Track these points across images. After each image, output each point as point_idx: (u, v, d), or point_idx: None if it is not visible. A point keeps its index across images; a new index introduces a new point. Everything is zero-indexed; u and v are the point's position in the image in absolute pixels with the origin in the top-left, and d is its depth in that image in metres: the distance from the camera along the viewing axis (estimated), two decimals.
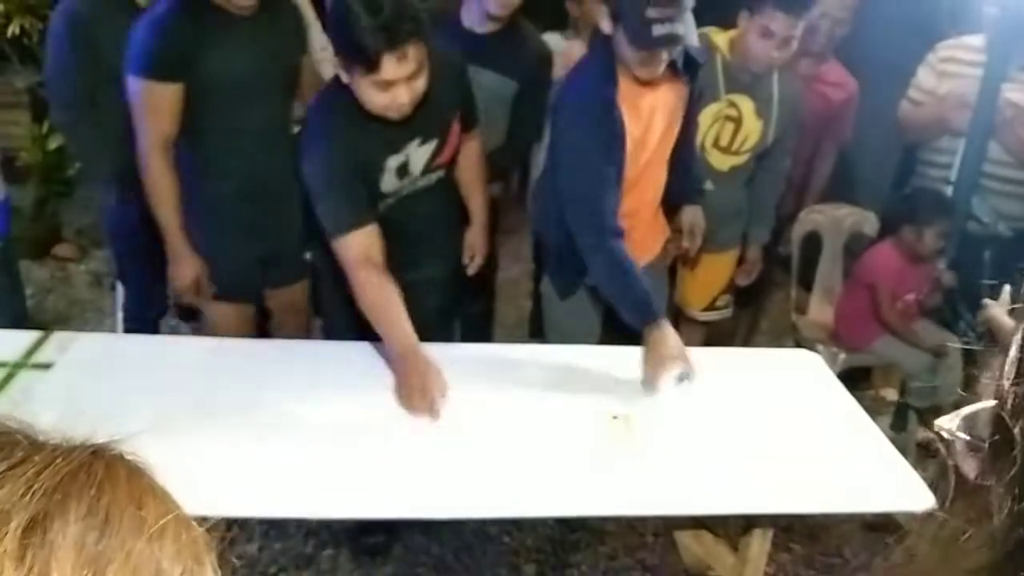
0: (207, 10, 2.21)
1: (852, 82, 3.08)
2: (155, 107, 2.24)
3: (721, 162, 2.74)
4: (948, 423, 0.50)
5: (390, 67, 1.87)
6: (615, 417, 2.00)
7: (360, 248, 2.03)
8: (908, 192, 3.15)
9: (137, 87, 2.22)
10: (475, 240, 2.51)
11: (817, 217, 3.30)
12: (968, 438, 0.49)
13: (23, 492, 0.38)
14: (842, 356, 3.08)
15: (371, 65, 1.86)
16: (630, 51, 2.07)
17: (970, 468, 0.49)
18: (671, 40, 2.03)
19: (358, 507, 1.80)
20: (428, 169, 2.20)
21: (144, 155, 2.28)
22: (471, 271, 2.55)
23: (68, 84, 2.60)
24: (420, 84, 1.96)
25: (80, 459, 0.41)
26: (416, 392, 1.96)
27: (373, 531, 2.56)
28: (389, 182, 2.15)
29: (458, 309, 2.65)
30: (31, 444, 0.41)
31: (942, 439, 0.50)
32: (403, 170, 2.15)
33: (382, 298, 2.02)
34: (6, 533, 0.36)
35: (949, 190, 3.02)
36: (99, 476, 0.40)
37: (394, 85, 1.91)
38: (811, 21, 2.85)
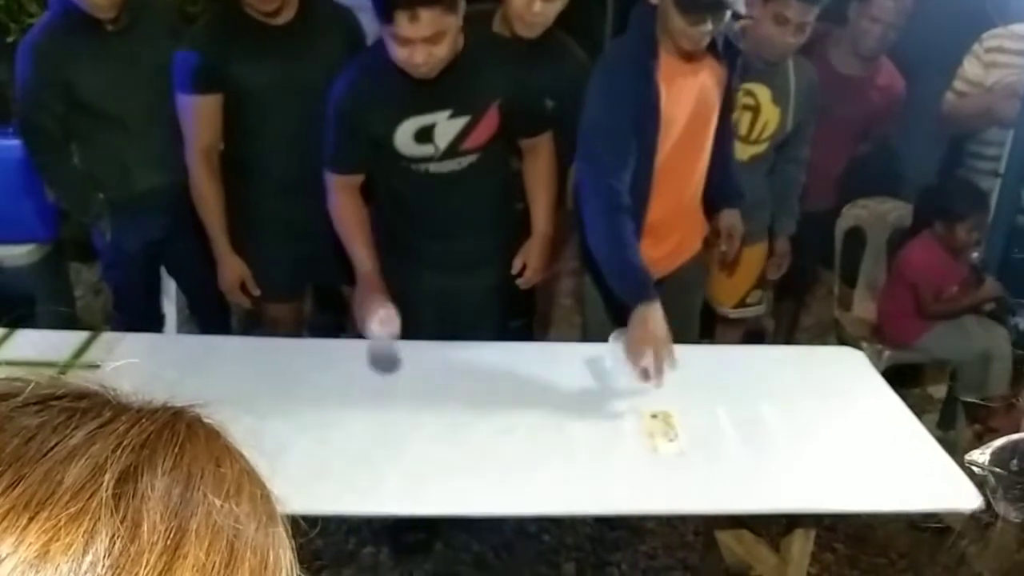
0: (240, 23, 2.26)
1: (900, 83, 3.02)
2: (195, 118, 2.36)
3: (741, 152, 2.67)
4: (979, 457, 0.49)
5: (403, 24, 1.91)
6: (654, 415, 1.99)
7: (342, 182, 2.23)
8: (941, 182, 3.08)
9: (180, 101, 2.35)
10: (532, 252, 2.39)
11: (860, 212, 3.24)
12: (1000, 472, 0.48)
13: (114, 447, 0.40)
14: (887, 353, 3.03)
15: (387, 17, 1.92)
16: (677, 17, 2.04)
17: (1001, 503, 0.47)
18: (718, 5, 2.00)
19: (399, 504, 1.81)
20: (456, 150, 2.18)
21: (190, 164, 2.39)
22: (522, 283, 2.43)
23: (39, 122, 2.45)
24: (440, 51, 1.98)
25: (163, 419, 0.43)
26: (361, 310, 2.10)
27: (414, 529, 2.58)
28: (406, 144, 2.14)
29: (500, 323, 2.54)
30: (118, 404, 0.44)
31: (973, 473, 0.50)
32: (424, 136, 2.13)
33: (350, 220, 2.23)
34: (101, 484, 0.38)
35: (998, 183, 2.95)
36: (181, 435, 0.43)
37: (412, 43, 1.95)
38: (863, 26, 2.82)
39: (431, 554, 2.58)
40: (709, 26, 2.04)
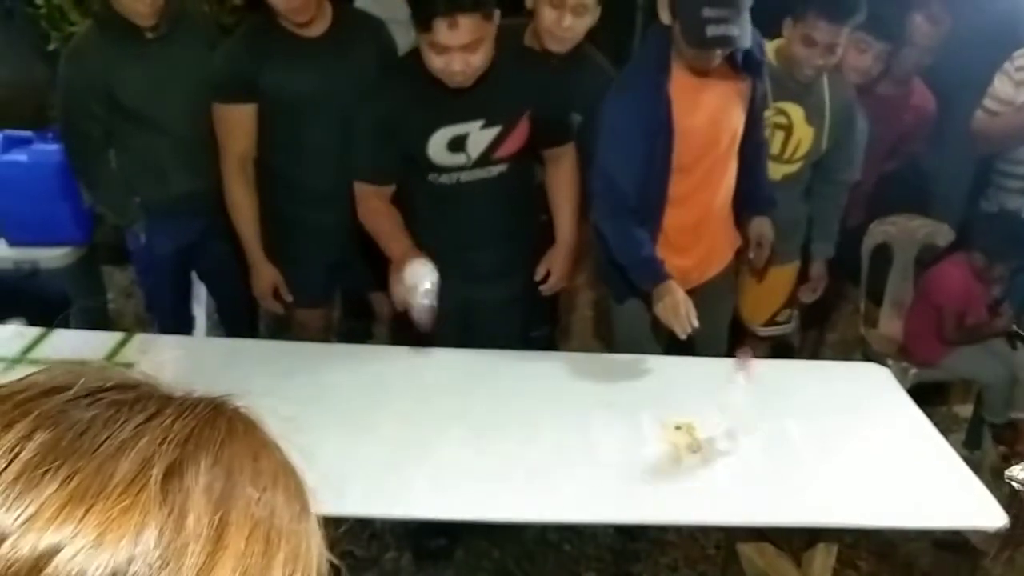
0: (275, 34, 2.31)
1: (931, 103, 3.02)
2: (229, 127, 2.40)
3: (774, 171, 2.65)
4: (1020, 473, 0.50)
5: (441, 32, 1.93)
6: (678, 427, 2.00)
7: (374, 192, 2.25)
8: (992, 212, 3.04)
9: (215, 110, 2.40)
10: (556, 259, 2.43)
11: (889, 229, 3.23)
12: None
13: (160, 441, 0.42)
14: (913, 371, 3.02)
15: (425, 25, 1.94)
16: (684, 47, 2.10)
17: None
18: (725, 42, 2.04)
19: (425, 508, 1.83)
20: (487, 159, 2.21)
21: (224, 172, 2.43)
22: (545, 290, 2.47)
23: (79, 128, 2.51)
24: (477, 59, 2.01)
25: (205, 414, 0.45)
26: (403, 285, 2.07)
27: (435, 535, 2.59)
28: (439, 154, 2.16)
29: (522, 334, 2.56)
30: (161, 398, 0.46)
31: (1002, 491, 0.50)
32: (457, 145, 2.16)
33: (383, 218, 2.24)
34: (149, 478, 0.40)
35: None
36: (222, 431, 0.45)
37: (449, 51, 1.97)
38: (897, 51, 2.80)
39: (452, 561, 2.59)
40: (717, 57, 2.12)
